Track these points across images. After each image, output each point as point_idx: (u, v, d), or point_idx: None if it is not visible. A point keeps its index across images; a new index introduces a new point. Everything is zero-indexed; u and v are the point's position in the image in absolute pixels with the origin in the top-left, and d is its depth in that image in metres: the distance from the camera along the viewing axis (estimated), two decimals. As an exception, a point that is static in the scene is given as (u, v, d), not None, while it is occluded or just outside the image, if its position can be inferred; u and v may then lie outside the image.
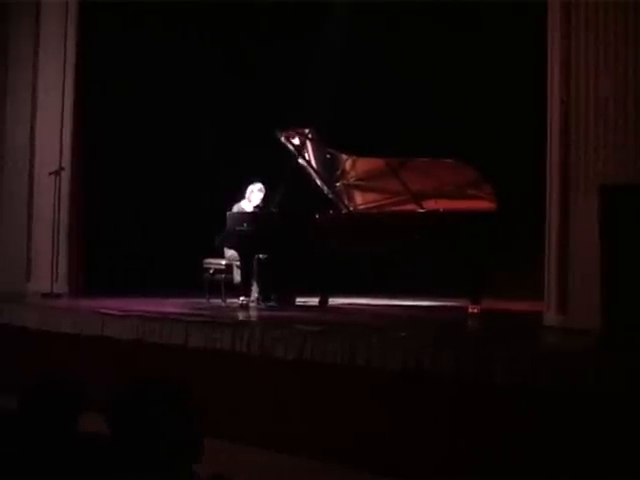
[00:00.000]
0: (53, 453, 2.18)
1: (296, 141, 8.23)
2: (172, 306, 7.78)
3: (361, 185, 8.41)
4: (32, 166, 9.51)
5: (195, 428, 2.10)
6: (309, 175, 8.48)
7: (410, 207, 7.86)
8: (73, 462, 2.13)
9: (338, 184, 8.44)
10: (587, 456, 4.38)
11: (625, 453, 4.29)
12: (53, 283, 8.91)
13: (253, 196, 8.54)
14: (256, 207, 8.56)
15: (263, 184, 8.52)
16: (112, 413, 2.09)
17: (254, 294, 8.37)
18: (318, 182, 8.49)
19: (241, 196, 8.61)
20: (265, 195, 8.47)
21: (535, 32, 6.85)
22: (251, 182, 8.58)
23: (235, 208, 8.51)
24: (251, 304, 8.18)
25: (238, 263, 8.37)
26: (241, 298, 8.10)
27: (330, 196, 8.49)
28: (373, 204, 8.37)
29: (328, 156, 8.31)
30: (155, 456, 2.03)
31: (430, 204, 7.75)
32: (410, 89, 10.13)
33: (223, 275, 8.57)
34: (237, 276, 8.40)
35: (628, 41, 5.92)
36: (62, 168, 9.13)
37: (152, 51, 10.00)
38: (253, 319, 7.46)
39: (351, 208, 8.44)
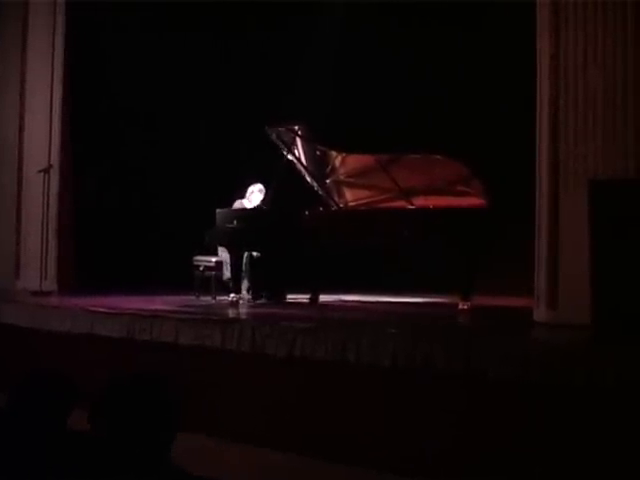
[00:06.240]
0: (42, 450, 2.17)
1: (286, 138, 8.21)
2: (162, 303, 7.76)
3: (351, 182, 8.41)
4: (21, 163, 9.46)
5: (170, 422, 2.08)
6: (299, 172, 8.47)
7: (400, 203, 7.87)
8: (62, 459, 2.11)
9: (328, 181, 8.43)
10: (578, 449, 4.39)
11: (615, 446, 4.30)
12: (42, 281, 8.87)
13: (253, 197, 8.54)
14: (255, 207, 8.55)
15: (262, 184, 8.50)
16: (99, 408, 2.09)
17: (244, 291, 8.37)
18: (308, 179, 8.48)
19: (241, 194, 8.59)
20: (265, 196, 8.43)
21: (524, 27, 6.84)
22: (252, 182, 8.57)
23: (237, 204, 8.51)
24: (241, 301, 8.18)
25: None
26: (231, 295, 8.10)
27: (320, 193, 8.49)
28: (363, 201, 8.38)
29: (318, 153, 8.30)
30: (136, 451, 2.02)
31: (420, 201, 7.76)
32: (400, 85, 10.14)
33: (213, 272, 8.57)
34: (227, 272, 8.40)
35: (617, 35, 5.92)
36: (51, 165, 9.10)
37: (142, 47, 9.94)
38: (243, 316, 7.44)
39: (341, 205, 8.44)
